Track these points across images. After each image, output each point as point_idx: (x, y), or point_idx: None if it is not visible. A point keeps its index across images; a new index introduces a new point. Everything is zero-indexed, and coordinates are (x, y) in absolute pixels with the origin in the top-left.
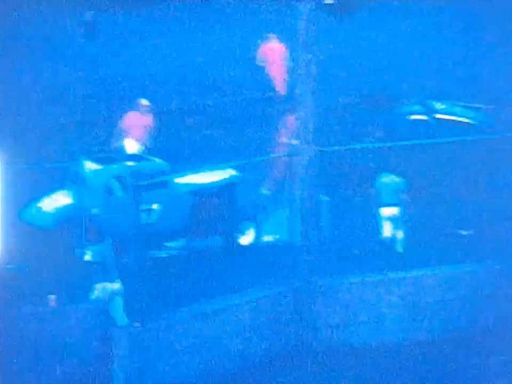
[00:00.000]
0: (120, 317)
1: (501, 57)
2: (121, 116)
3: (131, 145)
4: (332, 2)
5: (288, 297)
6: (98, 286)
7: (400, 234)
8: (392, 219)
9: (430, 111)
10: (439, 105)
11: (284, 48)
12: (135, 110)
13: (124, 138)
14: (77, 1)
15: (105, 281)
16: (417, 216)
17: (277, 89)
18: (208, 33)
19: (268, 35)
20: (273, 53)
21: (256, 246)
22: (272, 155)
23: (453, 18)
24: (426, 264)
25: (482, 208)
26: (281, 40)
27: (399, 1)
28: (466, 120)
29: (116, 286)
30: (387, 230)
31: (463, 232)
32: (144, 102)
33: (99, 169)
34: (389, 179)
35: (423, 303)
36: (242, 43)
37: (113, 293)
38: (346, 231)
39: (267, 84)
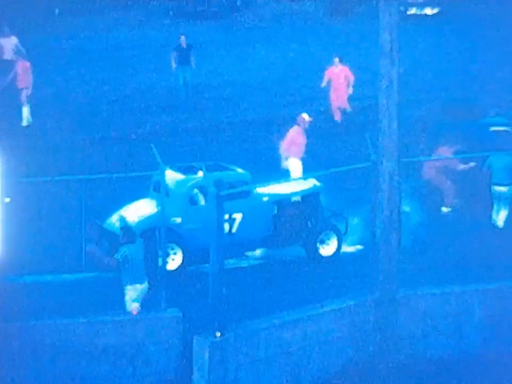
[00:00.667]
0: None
1: None
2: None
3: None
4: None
5: (369, 308)
6: (130, 287)
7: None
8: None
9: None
10: None
11: (347, 71)
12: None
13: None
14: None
15: (136, 282)
16: None
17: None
18: (288, 45)
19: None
20: (337, 77)
21: (337, 256)
22: (353, 166)
23: None
24: None
25: None
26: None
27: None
28: None
29: (144, 286)
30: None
31: None
32: (306, 117)
33: (182, 179)
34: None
35: (506, 315)
36: (320, 55)
37: (143, 293)
38: (428, 241)
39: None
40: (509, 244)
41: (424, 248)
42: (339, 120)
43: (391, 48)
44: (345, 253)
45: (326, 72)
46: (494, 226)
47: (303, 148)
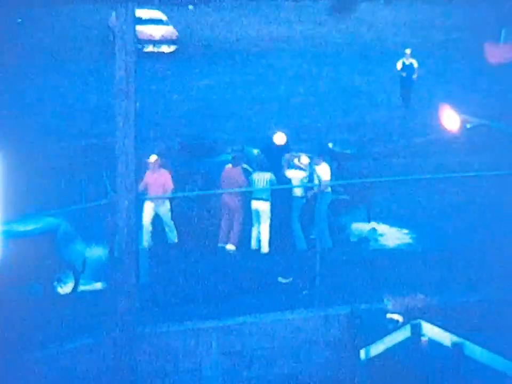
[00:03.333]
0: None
1: None
2: None
3: None
4: (152, 50)
5: (107, 346)
6: None
7: None
8: None
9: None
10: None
11: None
12: None
13: None
14: None
15: None
16: None
17: None
18: None
19: None
20: None
21: (76, 294)
22: (92, 203)
23: None
24: None
25: None
26: None
27: None
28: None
29: None
30: None
31: None
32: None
33: None
34: None
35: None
36: None
37: None
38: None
39: None
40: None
41: (165, 284)
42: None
43: (127, 84)
44: (85, 291)
45: None
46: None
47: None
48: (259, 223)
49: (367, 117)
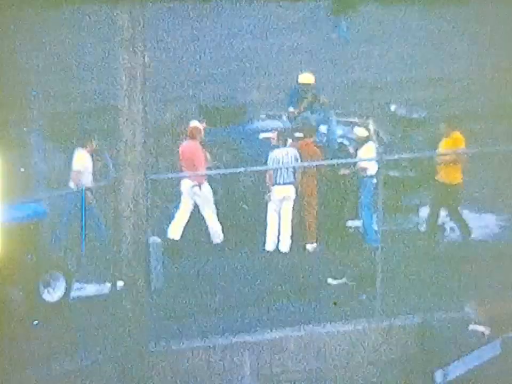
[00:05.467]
0: None
1: None
2: None
3: None
4: None
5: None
6: None
7: None
8: None
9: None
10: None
11: None
12: None
13: None
14: None
15: None
16: None
17: None
18: None
19: None
20: None
21: (68, 301)
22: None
23: None
24: None
25: None
26: None
27: None
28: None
29: None
30: None
31: None
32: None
33: None
34: None
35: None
36: None
37: None
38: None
39: None
40: None
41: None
42: None
43: (133, 33)
44: (81, 298)
45: None
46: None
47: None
48: (279, 215)
49: (442, 70)
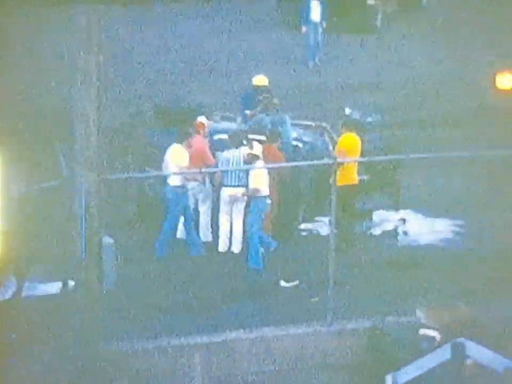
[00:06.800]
0: None
1: None
2: None
3: None
4: None
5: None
6: None
7: None
8: None
9: None
10: None
11: None
12: None
13: None
14: None
15: None
16: None
17: None
18: None
19: None
20: None
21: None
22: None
23: None
24: None
25: None
26: None
27: None
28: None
29: None
30: None
31: None
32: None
33: None
34: None
35: None
36: None
37: None
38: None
39: None
40: None
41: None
42: None
43: (89, 32)
44: (31, 297)
45: None
46: None
47: None
48: (230, 216)
49: (395, 75)
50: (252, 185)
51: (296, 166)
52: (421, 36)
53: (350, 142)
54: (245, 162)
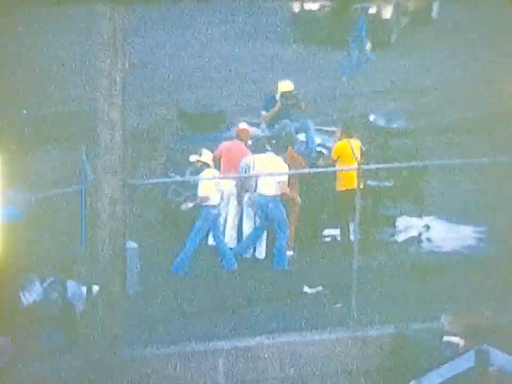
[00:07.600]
0: None
1: None
2: None
3: None
4: None
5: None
6: None
7: None
8: None
9: None
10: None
11: None
12: None
13: None
14: None
15: None
16: None
17: None
18: None
19: None
20: None
21: None
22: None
23: None
24: None
25: None
26: None
27: None
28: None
29: None
30: None
31: None
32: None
33: None
34: None
35: None
36: None
37: None
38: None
39: None
40: None
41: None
42: None
43: (113, 36)
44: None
45: None
46: None
47: None
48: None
49: (421, 80)
50: (200, 193)
51: (319, 172)
52: (441, 44)
53: (339, 150)
54: (197, 169)
